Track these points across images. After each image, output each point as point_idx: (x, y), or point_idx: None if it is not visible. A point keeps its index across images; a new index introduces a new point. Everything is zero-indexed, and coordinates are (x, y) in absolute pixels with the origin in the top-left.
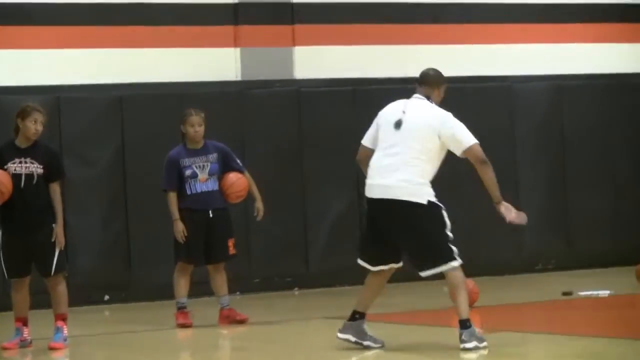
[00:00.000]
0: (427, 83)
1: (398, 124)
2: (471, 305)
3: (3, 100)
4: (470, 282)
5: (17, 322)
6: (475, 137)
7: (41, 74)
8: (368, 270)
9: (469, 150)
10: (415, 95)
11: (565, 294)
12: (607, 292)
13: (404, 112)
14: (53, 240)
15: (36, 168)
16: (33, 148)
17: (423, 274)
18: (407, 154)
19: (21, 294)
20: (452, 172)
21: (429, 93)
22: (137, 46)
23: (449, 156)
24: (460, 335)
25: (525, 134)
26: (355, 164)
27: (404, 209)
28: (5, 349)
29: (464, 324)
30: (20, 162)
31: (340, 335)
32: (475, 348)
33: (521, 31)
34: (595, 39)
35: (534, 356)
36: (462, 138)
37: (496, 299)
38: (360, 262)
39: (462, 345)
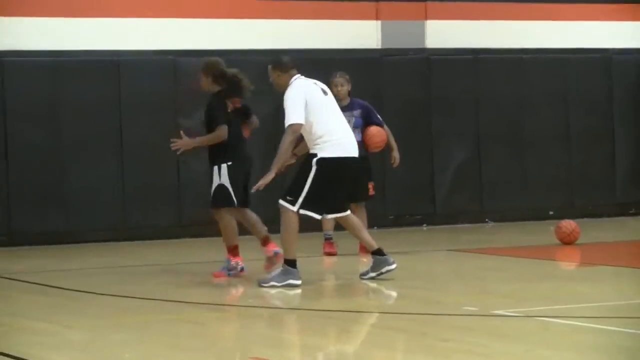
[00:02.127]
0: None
1: (325, 92)
2: (573, 242)
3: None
4: (573, 223)
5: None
6: (578, 101)
7: (215, 40)
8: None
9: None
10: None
11: None
12: None
13: (315, 83)
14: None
15: None
16: None
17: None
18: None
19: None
20: (562, 130)
21: None
22: (294, 17)
23: (566, 112)
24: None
25: (622, 98)
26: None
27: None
28: (215, 277)
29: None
30: None
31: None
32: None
33: (620, 9)
34: None
35: (626, 287)
36: None
37: (594, 238)
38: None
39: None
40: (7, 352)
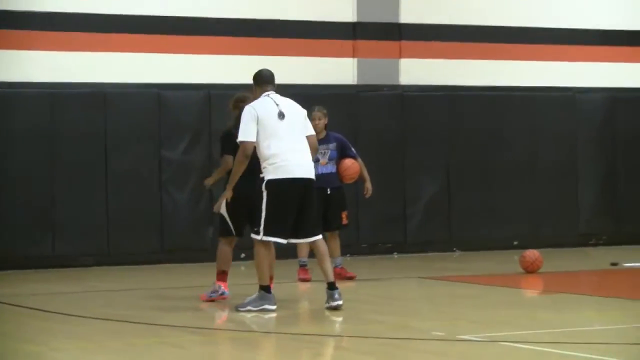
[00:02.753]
0: (274, 81)
1: (281, 115)
2: (536, 271)
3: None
4: (536, 252)
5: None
6: (544, 137)
7: (199, 74)
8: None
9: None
10: (273, 93)
11: (613, 264)
12: None
13: (277, 104)
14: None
15: None
16: None
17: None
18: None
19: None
20: (529, 164)
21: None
22: (275, 54)
23: (532, 148)
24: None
25: (585, 135)
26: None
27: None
28: (201, 299)
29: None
30: None
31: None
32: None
33: (584, 51)
34: None
35: (586, 314)
36: None
37: (556, 267)
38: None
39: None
40: None
